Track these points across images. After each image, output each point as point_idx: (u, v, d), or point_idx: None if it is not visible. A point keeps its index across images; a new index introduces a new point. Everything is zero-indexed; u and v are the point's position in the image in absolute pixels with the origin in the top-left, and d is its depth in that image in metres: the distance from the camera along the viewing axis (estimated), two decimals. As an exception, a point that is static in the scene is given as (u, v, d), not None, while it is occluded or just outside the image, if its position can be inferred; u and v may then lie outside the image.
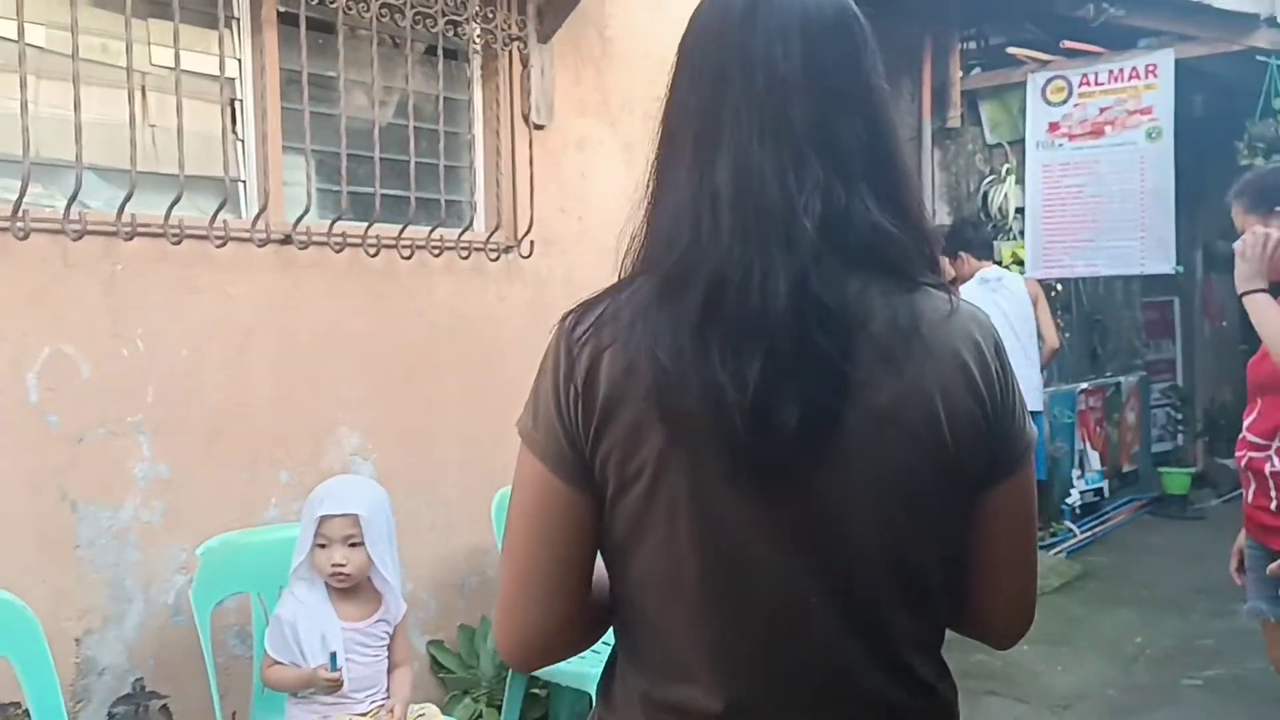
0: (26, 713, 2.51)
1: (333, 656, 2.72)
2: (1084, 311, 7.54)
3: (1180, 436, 8.85)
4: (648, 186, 1.16)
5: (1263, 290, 2.62)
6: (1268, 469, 2.66)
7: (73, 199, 2.77)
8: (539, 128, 4.02)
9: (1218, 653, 4.71)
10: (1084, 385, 7.42)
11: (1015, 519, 1.18)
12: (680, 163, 1.11)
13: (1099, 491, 7.39)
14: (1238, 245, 2.68)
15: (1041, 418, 5.38)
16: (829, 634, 1.09)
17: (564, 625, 1.15)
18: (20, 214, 2.69)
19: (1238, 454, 2.79)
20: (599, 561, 1.16)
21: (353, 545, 2.82)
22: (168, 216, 2.96)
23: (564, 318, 1.12)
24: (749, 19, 1.10)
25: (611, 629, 1.20)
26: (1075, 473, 7.18)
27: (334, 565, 2.79)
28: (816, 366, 1.02)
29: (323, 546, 2.80)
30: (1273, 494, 2.66)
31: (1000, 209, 6.71)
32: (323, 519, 2.80)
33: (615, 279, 1.15)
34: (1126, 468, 8.12)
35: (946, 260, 6.03)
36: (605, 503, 1.09)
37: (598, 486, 1.08)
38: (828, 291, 1.04)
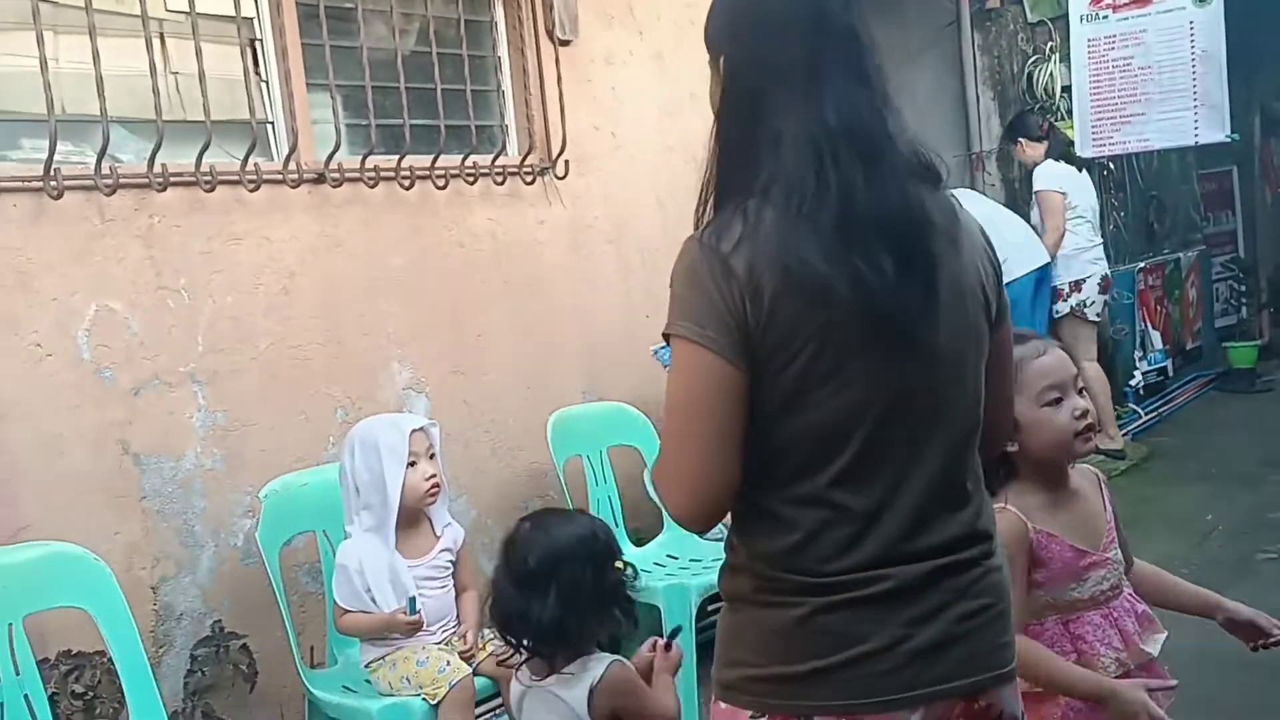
0: (111, 660, 2.58)
1: (411, 601, 2.74)
2: (1139, 189, 7.33)
3: (1244, 309, 8.64)
4: (722, 133, 1.44)
5: None
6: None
7: (102, 153, 2.76)
8: (565, 43, 3.94)
9: (1292, 525, 4.64)
10: (1142, 264, 7.23)
11: (1008, 355, 1.60)
12: (781, 105, 1.39)
13: (1162, 371, 7.25)
14: None
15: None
16: (937, 454, 1.42)
17: (735, 484, 1.40)
18: (52, 173, 2.69)
19: None
20: None
21: (431, 457, 2.87)
22: (198, 164, 2.95)
23: (700, 238, 1.38)
24: None
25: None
26: (1138, 354, 7.03)
27: (428, 479, 2.83)
28: (923, 257, 1.39)
29: (413, 464, 2.83)
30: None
31: (1046, 89, 6.50)
32: (412, 434, 2.84)
33: (695, 200, 1.47)
34: (1190, 345, 7.96)
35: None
36: (767, 377, 1.35)
37: (759, 366, 1.35)
38: (918, 200, 1.40)
